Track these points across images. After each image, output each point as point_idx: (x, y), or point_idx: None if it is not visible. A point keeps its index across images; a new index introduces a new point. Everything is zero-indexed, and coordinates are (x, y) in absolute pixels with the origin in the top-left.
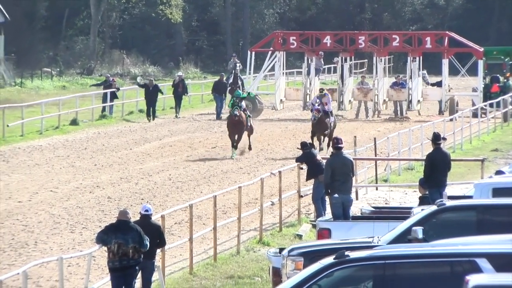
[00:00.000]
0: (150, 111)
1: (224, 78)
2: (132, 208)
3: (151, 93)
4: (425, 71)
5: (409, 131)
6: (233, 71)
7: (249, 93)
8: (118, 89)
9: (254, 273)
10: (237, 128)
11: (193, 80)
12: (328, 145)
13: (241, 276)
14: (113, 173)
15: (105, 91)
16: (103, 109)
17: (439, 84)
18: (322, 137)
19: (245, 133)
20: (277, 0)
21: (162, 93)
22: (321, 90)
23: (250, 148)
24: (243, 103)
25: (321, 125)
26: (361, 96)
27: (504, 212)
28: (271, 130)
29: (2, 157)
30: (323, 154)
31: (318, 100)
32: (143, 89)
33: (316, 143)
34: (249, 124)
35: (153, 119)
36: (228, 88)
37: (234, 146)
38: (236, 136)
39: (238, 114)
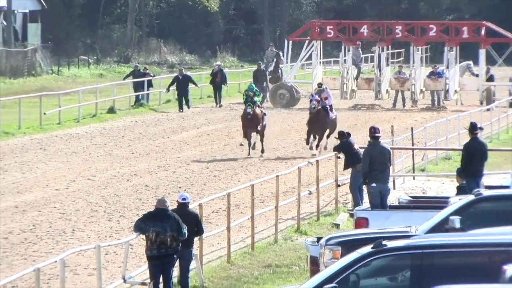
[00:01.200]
0: (182, 101)
1: (262, 67)
2: (170, 197)
3: (182, 83)
4: (470, 62)
5: (446, 120)
6: (274, 60)
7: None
8: (153, 75)
9: (291, 262)
10: (252, 124)
11: (230, 69)
12: (325, 148)
13: (278, 265)
14: (150, 162)
15: (135, 80)
16: (137, 98)
17: (491, 78)
18: (317, 136)
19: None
20: None
21: (195, 83)
22: (320, 84)
23: (262, 151)
24: (256, 99)
25: (318, 124)
26: (398, 86)
27: None
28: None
29: (40, 145)
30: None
31: (317, 96)
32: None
33: (313, 144)
34: (264, 122)
35: (188, 108)
36: (269, 77)
37: (249, 143)
38: (254, 131)
39: (251, 112)
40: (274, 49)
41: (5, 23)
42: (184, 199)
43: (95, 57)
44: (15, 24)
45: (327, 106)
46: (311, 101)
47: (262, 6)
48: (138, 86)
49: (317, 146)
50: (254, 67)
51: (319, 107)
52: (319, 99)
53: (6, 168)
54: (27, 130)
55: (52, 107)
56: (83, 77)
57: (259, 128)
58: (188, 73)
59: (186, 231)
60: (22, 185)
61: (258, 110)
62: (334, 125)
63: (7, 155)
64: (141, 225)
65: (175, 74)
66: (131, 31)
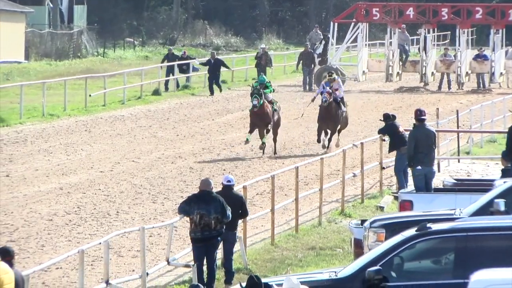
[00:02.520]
0: (213, 85)
1: (309, 48)
2: (214, 179)
3: (213, 66)
4: None
5: (491, 103)
6: (322, 43)
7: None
8: (194, 58)
9: (335, 245)
10: (260, 120)
11: (275, 51)
12: (337, 146)
13: (322, 247)
14: (195, 144)
15: (169, 64)
16: (166, 82)
17: None
18: (329, 131)
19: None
20: None
21: (227, 67)
22: (330, 73)
23: (275, 153)
24: (268, 92)
25: (330, 118)
26: (443, 68)
27: None
28: (354, 101)
29: (84, 127)
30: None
31: (327, 86)
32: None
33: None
34: (275, 117)
35: (220, 91)
36: (318, 60)
37: (262, 139)
38: (263, 129)
39: (257, 104)
40: (319, 31)
41: (51, 5)
42: (229, 181)
43: (141, 39)
44: (61, 6)
45: (338, 99)
46: (322, 92)
47: None
48: (171, 70)
49: (329, 141)
50: (299, 49)
51: (331, 100)
52: (330, 91)
53: (51, 150)
54: (72, 112)
55: (97, 89)
56: (129, 59)
57: (269, 126)
58: (234, 55)
59: (230, 213)
60: (66, 167)
61: (267, 103)
62: (345, 120)
63: (52, 137)
64: (186, 207)
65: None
66: (176, 13)
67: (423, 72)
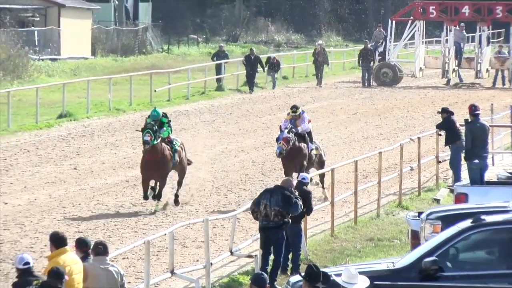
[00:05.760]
0: (253, 82)
1: (369, 45)
2: (275, 172)
3: (253, 63)
4: None
5: None
6: (383, 41)
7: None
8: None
9: (393, 236)
10: (155, 166)
11: (335, 48)
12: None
13: (380, 238)
14: (257, 138)
15: (218, 62)
16: (218, 80)
17: None
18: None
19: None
20: None
21: (263, 67)
22: (294, 109)
23: (176, 200)
24: (165, 135)
25: (294, 160)
26: (498, 65)
27: None
28: (411, 97)
29: None
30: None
31: (286, 133)
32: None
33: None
34: (176, 159)
35: (252, 89)
36: (378, 58)
37: (147, 196)
38: (155, 181)
39: (149, 141)
40: (382, 29)
41: (117, 2)
42: (303, 178)
43: (204, 36)
44: (126, 3)
45: (304, 133)
46: (278, 139)
47: None
48: (220, 67)
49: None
50: (358, 46)
51: (288, 148)
52: (289, 136)
53: (117, 143)
54: (137, 106)
55: (162, 84)
56: (192, 55)
57: (166, 173)
58: (295, 51)
59: (299, 208)
60: (132, 160)
61: (162, 144)
62: (320, 159)
63: (118, 131)
64: (258, 198)
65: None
66: (239, 11)
67: (478, 69)
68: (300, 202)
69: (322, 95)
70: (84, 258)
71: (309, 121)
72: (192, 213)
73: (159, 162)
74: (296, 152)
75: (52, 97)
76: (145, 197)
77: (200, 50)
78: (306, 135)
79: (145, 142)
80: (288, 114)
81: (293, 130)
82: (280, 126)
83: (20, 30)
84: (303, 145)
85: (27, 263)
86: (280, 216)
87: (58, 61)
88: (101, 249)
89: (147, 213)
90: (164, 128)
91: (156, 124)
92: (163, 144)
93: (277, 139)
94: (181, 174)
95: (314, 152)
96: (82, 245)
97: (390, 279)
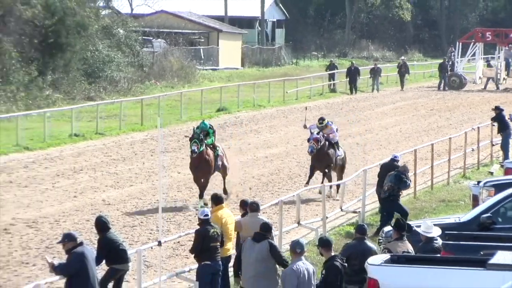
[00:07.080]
0: (352, 87)
1: (446, 61)
2: (372, 152)
3: (352, 72)
4: None
5: None
6: (451, 58)
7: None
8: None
9: (459, 198)
10: (200, 169)
11: (417, 61)
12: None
13: (450, 200)
14: (360, 127)
15: (330, 72)
16: (331, 85)
17: None
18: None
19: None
20: (478, 6)
21: (359, 75)
22: (321, 120)
23: (225, 192)
24: (210, 142)
25: (321, 159)
26: None
27: None
28: (472, 98)
29: (283, 114)
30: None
31: (313, 130)
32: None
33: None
34: (219, 162)
35: (355, 93)
36: (449, 69)
37: (200, 195)
38: (202, 180)
39: (196, 150)
40: (453, 49)
41: (259, 28)
42: (395, 156)
43: (322, 53)
44: (266, 29)
45: (333, 142)
46: (309, 140)
47: (441, 17)
48: (332, 76)
49: (330, 187)
50: (436, 61)
51: (318, 147)
52: (318, 137)
53: (259, 130)
54: (274, 103)
55: (291, 87)
56: (314, 67)
57: (209, 175)
58: (387, 64)
59: (408, 182)
60: (270, 142)
61: (209, 151)
62: (342, 164)
63: (260, 121)
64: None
65: (371, 66)
66: (348, 34)
67: None
68: (409, 181)
69: (407, 96)
70: (244, 215)
71: (337, 129)
72: (312, 181)
73: (203, 165)
74: (323, 156)
75: (213, 96)
76: (200, 195)
77: (319, 63)
78: (334, 144)
79: (192, 151)
80: (317, 124)
81: (323, 135)
82: (310, 129)
83: (190, 48)
84: (331, 151)
85: (207, 215)
86: (389, 190)
87: (217, 70)
88: (254, 207)
89: (280, 180)
90: (210, 137)
91: (203, 133)
92: (208, 149)
93: (308, 140)
94: (224, 174)
95: (340, 157)
96: (244, 205)
97: (456, 230)
